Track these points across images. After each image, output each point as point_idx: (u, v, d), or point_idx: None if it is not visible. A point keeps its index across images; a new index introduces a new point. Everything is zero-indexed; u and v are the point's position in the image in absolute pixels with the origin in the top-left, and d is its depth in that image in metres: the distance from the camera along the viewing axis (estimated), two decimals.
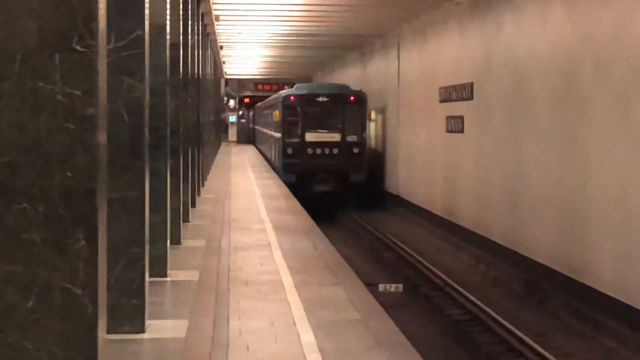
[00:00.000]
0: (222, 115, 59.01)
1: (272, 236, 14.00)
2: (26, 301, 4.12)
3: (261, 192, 22.32)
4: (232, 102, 64.93)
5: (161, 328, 7.90)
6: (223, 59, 42.21)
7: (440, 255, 21.09)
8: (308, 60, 42.62)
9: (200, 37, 21.82)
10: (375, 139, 33.67)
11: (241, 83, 62.79)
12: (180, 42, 13.40)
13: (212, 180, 25.69)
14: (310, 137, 30.20)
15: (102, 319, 4.28)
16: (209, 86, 32.36)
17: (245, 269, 11.05)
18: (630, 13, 13.33)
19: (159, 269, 9.95)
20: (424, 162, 25.89)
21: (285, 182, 26.33)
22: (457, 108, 22.29)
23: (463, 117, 21.88)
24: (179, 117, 13.11)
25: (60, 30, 4.11)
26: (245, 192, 22.40)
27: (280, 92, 36.32)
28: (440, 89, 23.72)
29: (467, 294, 15.76)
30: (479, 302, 15.08)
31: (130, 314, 7.57)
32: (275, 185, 24.65)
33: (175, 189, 12.34)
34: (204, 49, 26.07)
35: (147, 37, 7.49)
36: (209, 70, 31.31)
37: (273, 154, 34.12)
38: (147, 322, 7.79)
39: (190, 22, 16.31)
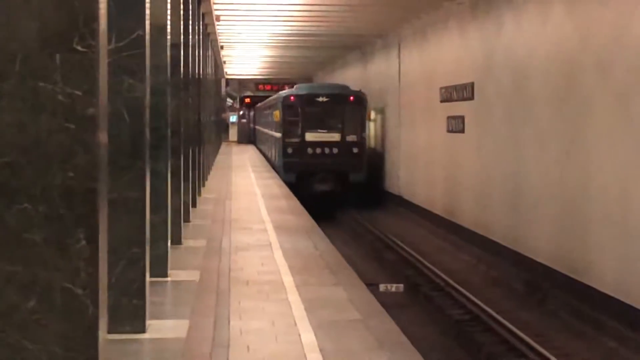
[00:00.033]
0: (223, 115, 59.02)
1: (272, 236, 14.00)
2: (27, 301, 4.12)
3: (262, 192, 22.33)
4: (229, 102, 64.91)
5: (162, 328, 7.90)
6: (224, 59, 42.22)
7: (440, 255, 21.09)
8: (308, 60, 42.63)
9: (201, 37, 21.82)
10: (376, 139, 33.68)
11: (242, 83, 62.79)
12: (181, 42, 13.40)
13: (213, 180, 25.69)
14: (310, 137, 30.38)
15: (103, 319, 4.28)
16: (210, 86, 32.36)
17: (246, 269, 11.05)
18: (631, 13, 13.33)
19: (160, 269, 9.95)
20: (424, 162, 25.89)
21: (285, 182, 26.45)
22: (458, 108, 22.29)
23: (464, 117, 21.88)
24: (179, 117, 13.11)
25: (61, 30, 4.11)
26: (246, 192, 22.40)
27: (281, 92, 36.46)
28: (441, 89, 23.72)
29: (468, 294, 15.76)
30: (479, 302, 15.07)
31: (130, 314, 7.57)
32: (276, 185, 24.65)
33: (176, 189, 12.34)
34: (205, 49, 26.07)
35: (147, 37, 7.49)
36: (209, 70, 31.32)
37: (273, 153, 34.32)
38: (148, 322, 7.79)
39: (191, 22, 16.31)
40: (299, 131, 30.54)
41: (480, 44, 20.71)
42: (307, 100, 30.85)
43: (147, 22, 7.51)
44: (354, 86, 33.87)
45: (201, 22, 22.72)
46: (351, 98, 30.90)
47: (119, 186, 7.43)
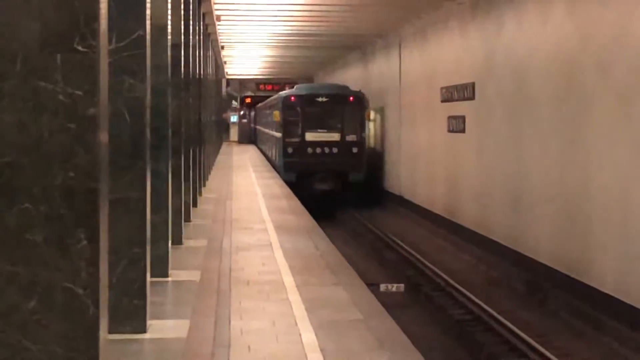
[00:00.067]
0: (224, 115, 59.02)
1: (273, 236, 14.00)
2: (28, 301, 4.12)
3: (262, 192, 22.33)
4: (233, 102, 64.95)
5: (162, 328, 7.90)
6: (224, 59, 42.22)
7: (441, 254, 21.09)
8: (309, 60, 42.63)
9: (201, 37, 21.83)
10: (377, 139, 33.71)
11: (242, 83, 62.79)
12: (181, 42, 13.40)
13: (214, 180, 25.69)
14: (310, 136, 30.61)
15: (104, 319, 4.28)
16: (211, 86, 32.38)
17: (247, 269, 11.05)
18: (631, 13, 13.33)
19: (161, 269, 9.95)
20: (425, 162, 25.89)
21: (285, 181, 26.57)
22: (459, 108, 22.29)
23: (464, 117, 21.88)
24: (180, 117, 13.11)
25: (62, 30, 4.12)
26: (247, 191, 22.40)
27: (281, 92, 36.63)
28: (442, 88, 23.72)
29: (469, 294, 15.76)
30: (480, 302, 15.07)
31: (131, 314, 7.57)
32: (277, 185, 24.65)
33: (177, 189, 12.34)
34: (205, 49, 26.08)
35: (148, 37, 7.49)
36: (210, 70, 31.33)
37: (274, 153, 34.52)
38: (149, 322, 7.79)
39: (191, 22, 16.31)
40: (299, 131, 30.74)
41: (480, 44, 20.71)
42: (307, 100, 31.05)
43: (148, 22, 7.51)
44: (354, 86, 33.94)
45: (202, 22, 22.72)
46: (351, 98, 31.10)
47: (120, 186, 7.43)
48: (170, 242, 10.30)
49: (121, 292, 7.42)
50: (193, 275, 10.47)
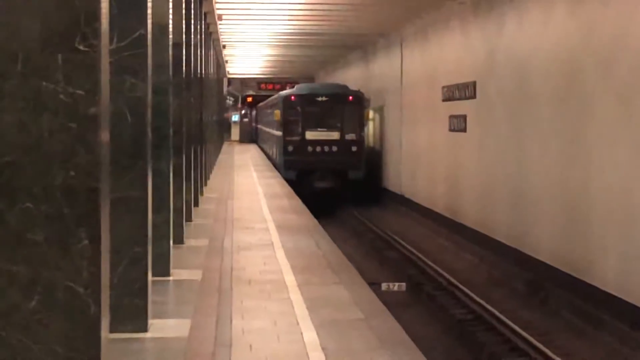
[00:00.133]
0: (225, 115, 59.03)
1: (274, 235, 14.00)
2: (29, 301, 4.12)
3: (264, 191, 22.33)
4: (231, 100, 64.92)
5: (164, 327, 7.90)
6: (226, 58, 42.22)
7: (442, 253, 21.09)
8: (310, 59, 42.64)
9: (202, 36, 21.82)
10: (378, 138, 33.74)
11: (244, 82, 62.79)
12: (182, 41, 13.39)
13: (215, 180, 25.70)
14: (310, 135, 31.05)
15: (105, 318, 4.28)
16: (212, 85, 32.39)
17: (248, 268, 11.05)
18: (632, 13, 13.32)
19: (162, 268, 9.94)
20: (426, 161, 25.89)
21: (285, 179, 26.83)
22: (460, 107, 22.28)
23: (466, 116, 21.87)
24: (181, 116, 13.11)
25: (63, 29, 4.12)
26: (248, 191, 22.40)
27: (281, 92, 36.92)
28: (443, 87, 23.72)
29: (470, 293, 15.76)
30: (481, 301, 15.07)
31: (132, 313, 7.57)
32: (278, 185, 24.65)
33: (178, 189, 12.34)
34: (207, 48, 26.07)
35: (149, 36, 7.49)
36: (211, 69, 31.34)
37: (274, 151, 34.93)
38: (150, 321, 7.79)
39: (192, 22, 16.30)
40: (299, 130, 31.15)
41: (482, 43, 20.70)
42: (307, 99, 31.45)
43: (149, 22, 7.51)
44: (355, 85, 34.06)
45: (203, 22, 22.72)
46: (350, 98, 31.52)
47: (121, 185, 7.43)
48: (171, 241, 10.29)
49: (122, 292, 7.42)
50: (194, 275, 10.47)
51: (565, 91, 15.78)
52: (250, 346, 7.33)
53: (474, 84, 21.19)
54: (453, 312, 15.13)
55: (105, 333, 4.28)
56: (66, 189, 4.13)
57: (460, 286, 16.42)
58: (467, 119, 21.77)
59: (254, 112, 64.73)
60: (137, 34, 7.33)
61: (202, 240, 13.42)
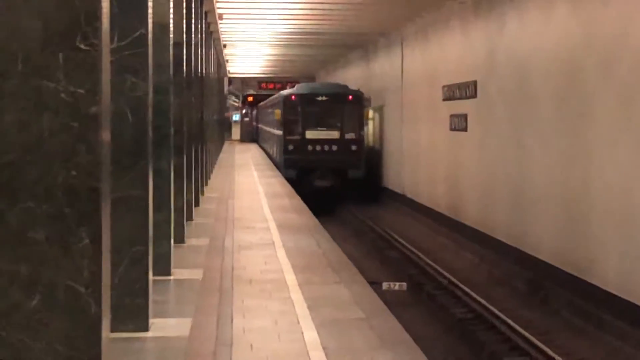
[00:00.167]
0: (226, 114, 59.02)
1: (275, 235, 14.00)
2: (30, 300, 4.12)
3: (264, 190, 22.33)
4: (234, 102, 64.93)
5: (165, 326, 7.90)
6: (226, 58, 42.21)
7: (443, 253, 21.09)
8: (311, 58, 42.64)
9: (203, 35, 21.82)
10: (379, 137, 33.78)
11: (244, 81, 62.79)
12: (183, 40, 13.39)
13: (216, 179, 25.70)
14: (310, 134, 31.33)
15: (106, 318, 4.28)
16: (213, 85, 32.40)
17: (249, 267, 11.05)
18: (633, 12, 13.32)
19: (163, 267, 9.95)
20: (427, 161, 25.89)
21: (286, 178, 27.07)
22: (461, 106, 22.28)
23: (467, 115, 21.87)
24: (182, 115, 13.11)
25: (64, 29, 4.12)
26: (249, 190, 22.40)
27: (282, 91, 37.14)
28: (444, 87, 23.71)
29: (471, 292, 15.76)
30: (482, 301, 15.07)
31: (133, 313, 7.57)
32: (279, 184, 24.65)
33: (179, 188, 12.34)
34: (207, 48, 26.08)
35: (150, 35, 7.49)
36: (212, 68, 31.36)
37: (275, 150, 35.21)
38: (151, 320, 7.79)
39: (193, 21, 16.30)
40: (300, 129, 31.43)
41: (482, 42, 20.70)
42: (307, 99, 31.72)
43: (150, 21, 7.51)
44: (356, 85, 34.15)
45: (204, 21, 22.71)
46: (350, 97, 31.78)
47: (122, 185, 7.43)
48: (172, 240, 10.30)
49: (123, 291, 7.42)
50: (195, 274, 10.48)
51: (565, 91, 15.78)
52: (251, 345, 7.33)
53: (475, 83, 21.19)
54: (454, 311, 15.13)
55: (106, 332, 4.28)
56: (67, 188, 4.13)
57: (461, 285, 16.42)
58: (468, 118, 21.77)
59: (254, 112, 64.75)
60: (138, 33, 7.33)
61: (203, 239, 13.42)
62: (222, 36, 31.33)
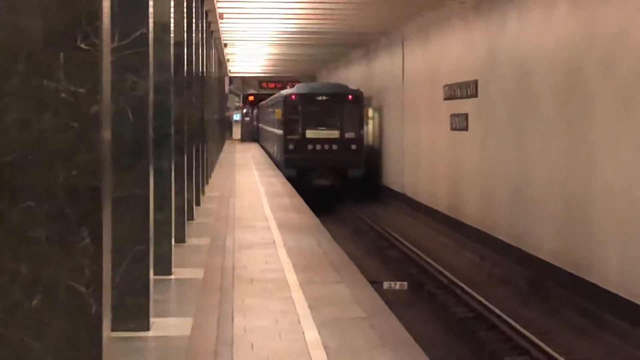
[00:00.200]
0: (227, 113, 59.01)
1: (276, 234, 14.00)
2: (31, 299, 4.12)
3: (265, 190, 22.33)
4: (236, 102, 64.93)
5: (166, 326, 7.90)
6: (227, 57, 42.21)
7: (444, 252, 21.09)
8: (312, 58, 42.63)
9: (204, 34, 21.82)
10: (380, 137, 33.81)
11: (245, 81, 62.78)
12: (184, 40, 13.40)
13: (217, 178, 25.70)
14: (310, 134, 31.57)
15: (107, 317, 4.28)
16: (213, 84, 32.42)
17: (250, 267, 11.05)
18: (633, 12, 13.31)
19: (164, 267, 9.95)
20: (428, 160, 25.89)
21: (286, 177, 27.28)
22: (462, 106, 22.28)
23: (467, 114, 21.87)
24: (183, 115, 13.11)
25: (65, 28, 4.12)
26: (250, 190, 22.40)
27: (282, 91, 37.30)
28: (445, 86, 23.71)
29: (472, 292, 15.75)
30: (483, 300, 15.07)
31: (134, 312, 7.57)
32: (279, 183, 24.65)
33: (180, 187, 12.34)
34: (208, 47, 26.08)
35: (151, 35, 7.49)
36: (213, 68, 31.37)
37: (275, 150, 35.47)
38: (152, 319, 7.80)
39: (194, 20, 16.31)
40: (300, 128, 31.62)
41: (483, 42, 20.70)
42: (307, 99, 31.94)
43: (151, 20, 7.51)
44: (357, 84, 34.22)
45: (204, 20, 22.72)
46: (350, 97, 31.99)
47: (123, 184, 7.43)
48: (173, 240, 10.30)
49: (124, 290, 7.42)
50: (196, 273, 10.48)
51: (566, 90, 15.77)
52: (252, 345, 7.33)
53: (476, 82, 21.18)
54: (454, 310, 15.13)
55: (106, 332, 4.28)
56: (68, 187, 4.13)
57: (462, 285, 16.42)
58: (469, 117, 21.77)
59: (255, 111, 64.74)
60: (139, 32, 7.33)
61: (204, 238, 13.42)
62: (222, 35, 31.33)
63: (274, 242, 13.18)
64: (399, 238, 22.60)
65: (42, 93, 4.11)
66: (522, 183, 17.92)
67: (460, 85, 22.35)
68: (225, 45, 35.03)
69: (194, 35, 16.17)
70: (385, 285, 15.11)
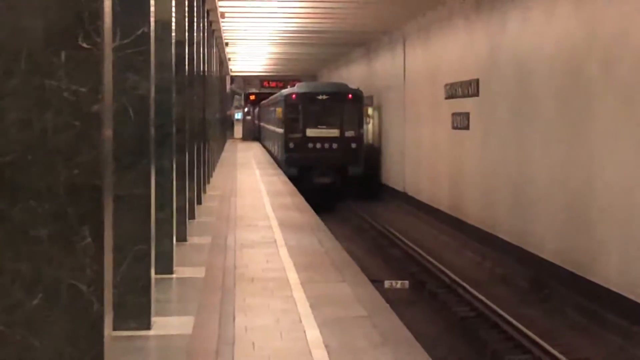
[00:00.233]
0: (228, 113, 59.01)
1: (277, 233, 14.01)
2: (32, 298, 4.13)
3: (266, 189, 22.33)
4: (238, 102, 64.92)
5: (167, 325, 7.91)
6: (228, 56, 42.22)
7: (445, 251, 21.08)
8: (313, 57, 42.64)
9: (205, 34, 21.83)
10: (381, 136, 33.84)
11: (246, 80, 62.78)
12: (185, 39, 13.40)
13: (218, 177, 25.70)
14: (310, 132, 31.73)
15: (108, 316, 4.29)
16: (215, 83, 32.43)
17: (251, 266, 11.05)
18: (634, 11, 13.31)
19: (165, 266, 9.96)
20: (429, 159, 25.89)
21: (287, 175, 27.45)
22: (463, 105, 22.28)
23: (469, 113, 21.87)
24: (184, 114, 13.11)
25: (66, 27, 4.12)
26: (251, 189, 22.41)
27: (282, 90, 37.45)
28: (446, 85, 23.71)
29: (473, 291, 15.75)
30: (484, 299, 15.07)
31: (136, 311, 7.58)
32: (281, 182, 24.66)
33: (181, 186, 12.35)
34: (210, 46, 26.08)
35: (152, 34, 7.49)
36: (214, 67, 31.38)
37: (276, 148, 35.66)
38: (153, 319, 7.80)
39: (195, 19, 16.31)
40: (300, 127, 31.78)
41: (485, 41, 20.69)
42: (308, 98, 32.09)
43: (152, 19, 7.51)
44: (358, 83, 34.29)
45: (206, 19, 22.72)
46: (349, 96, 32.14)
47: (124, 183, 7.43)
48: (174, 239, 10.30)
49: (125, 289, 7.43)
50: (197, 272, 10.48)
51: (567, 90, 15.77)
52: (253, 344, 7.33)
53: (477, 81, 21.18)
54: (456, 309, 15.13)
55: (108, 331, 4.28)
56: (69, 186, 4.13)
57: (463, 283, 16.42)
58: (470, 116, 21.76)
59: (256, 110, 64.73)
60: (140, 31, 7.34)
61: (205, 238, 13.43)
62: (224, 34, 31.35)
63: (275, 241, 13.19)
64: (400, 237, 22.60)
65: (43, 92, 4.12)
66: (523, 182, 17.92)
67: (461, 84, 22.35)
68: (227, 44, 35.04)
69: (195, 34, 16.17)
70: (387, 284, 15.12)
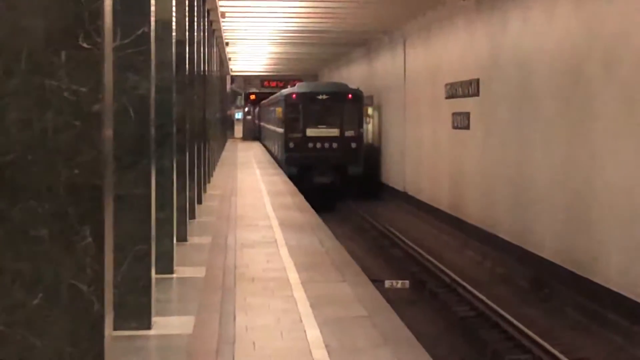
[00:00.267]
0: (228, 112, 59.02)
1: (278, 233, 14.01)
2: (33, 298, 4.13)
3: (267, 188, 22.33)
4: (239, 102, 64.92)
5: (167, 324, 7.91)
6: (229, 56, 42.22)
7: (445, 250, 21.08)
8: (314, 57, 42.64)
9: (206, 33, 21.83)
10: (381, 135, 33.86)
11: (247, 80, 62.79)
12: (186, 38, 13.40)
13: (218, 177, 25.71)
14: (310, 132, 31.85)
15: (109, 316, 4.29)
16: (215, 83, 32.45)
17: (252, 265, 11.06)
18: (635, 11, 13.31)
19: (165, 265, 9.96)
20: (429, 158, 25.89)
21: (287, 174, 27.57)
22: (463, 104, 22.27)
23: (469, 113, 21.87)
24: (184, 114, 13.11)
25: (67, 27, 4.12)
26: (251, 188, 22.41)
27: (283, 90, 37.51)
28: (446, 85, 23.71)
29: (473, 290, 15.75)
30: (484, 298, 15.07)
31: (136, 311, 7.58)
32: (281, 182, 24.66)
33: (181, 186, 12.35)
34: (210, 46, 26.09)
35: (152, 33, 7.49)
36: (214, 67, 31.40)
37: (277, 148, 35.78)
38: (154, 318, 7.80)
39: (196, 19, 16.31)
40: (300, 127, 31.88)
41: (485, 40, 20.69)
42: (308, 98, 32.21)
43: (152, 19, 7.51)
44: (359, 83, 34.32)
45: (206, 19, 22.72)
46: (349, 96, 32.26)
47: (125, 183, 7.44)
48: (175, 238, 10.30)
49: (126, 289, 7.43)
50: (198, 272, 10.48)
51: (568, 89, 15.77)
52: (254, 343, 7.33)
53: (477, 81, 21.18)
54: (456, 309, 15.13)
55: (108, 330, 4.28)
56: (69, 186, 4.14)
57: (463, 283, 16.42)
58: (470, 116, 21.76)
59: (256, 110, 64.74)
60: (140, 31, 7.34)
61: (206, 237, 13.43)
62: (224, 34, 31.35)
63: (276, 240, 13.19)
64: (400, 236, 22.60)
65: (43, 92, 4.12)
66: (524, 181, 17.92)
67: (462, 84, 22.35)
68: (227, 44, 35.04)
69: (195, 34, 16.18)
70: (387, 283, 15.12)
